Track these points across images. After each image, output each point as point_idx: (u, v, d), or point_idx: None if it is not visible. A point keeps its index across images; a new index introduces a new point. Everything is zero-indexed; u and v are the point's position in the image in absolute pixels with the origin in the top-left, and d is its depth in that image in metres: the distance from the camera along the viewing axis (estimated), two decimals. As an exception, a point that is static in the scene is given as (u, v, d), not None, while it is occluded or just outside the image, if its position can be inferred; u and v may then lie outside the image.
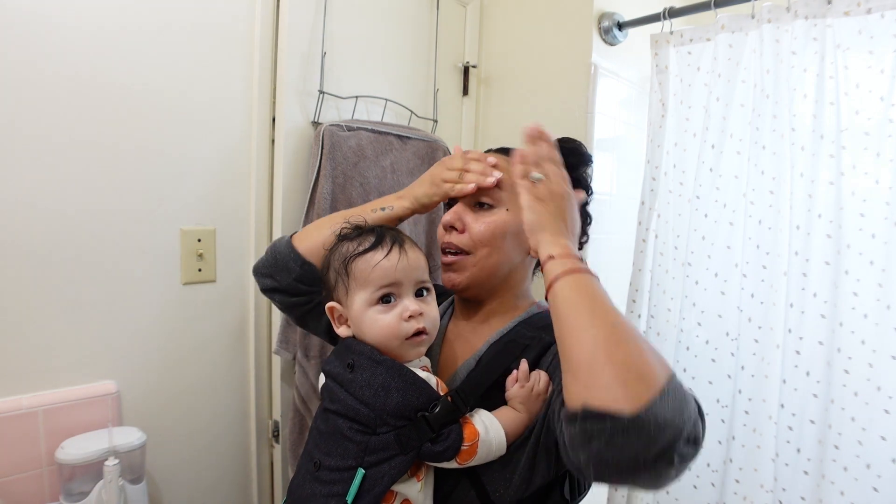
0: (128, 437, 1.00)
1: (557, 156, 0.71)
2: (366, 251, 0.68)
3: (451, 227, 0.77)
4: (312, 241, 0.81)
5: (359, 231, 0.72)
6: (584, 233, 0.88)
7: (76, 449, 0.96)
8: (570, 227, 0.68)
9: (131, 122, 1.06)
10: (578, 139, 0.89)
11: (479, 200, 0.77)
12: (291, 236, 0.83)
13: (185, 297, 1.17)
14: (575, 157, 0.86)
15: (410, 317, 0.66)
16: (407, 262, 0.68)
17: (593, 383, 0.52)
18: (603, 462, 0.50)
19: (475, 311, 0.81)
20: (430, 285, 0.71)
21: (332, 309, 0.71)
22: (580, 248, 0.89)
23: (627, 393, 0.50)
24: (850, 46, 1.08)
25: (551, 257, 0.63)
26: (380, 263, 0.67)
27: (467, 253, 0.76)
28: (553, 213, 0.67)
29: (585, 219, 0.87)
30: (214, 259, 1.20)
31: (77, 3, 0.98)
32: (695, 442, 0.52)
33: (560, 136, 0.88)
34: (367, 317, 0.67)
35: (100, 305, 1.05)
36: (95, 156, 1.02)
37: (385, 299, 0.67)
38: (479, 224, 0.75)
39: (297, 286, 0.81)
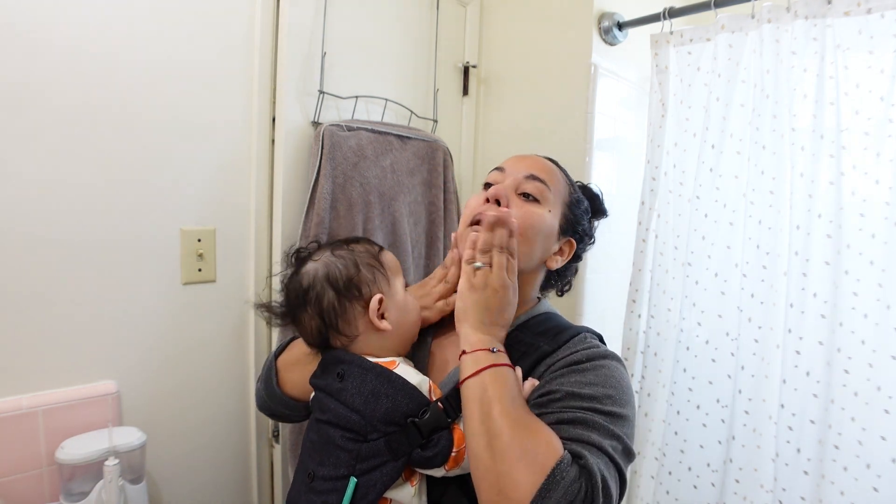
0: (128, 437, 1.00)
1: (513, 243, 0.71)
2: (381, 249, 0.76)
3: (495, 201, 0.75)
4: (302, 382, 0.77)
5: (315, 245, 0.76)
6: (572, 274, 0.89)
7: (76, 449, 0.96)
8: (497, 319, 0.69)
9: (131, 122, 1.06)
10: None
11: (525, 191, 0.76)
12: (278, 383, 0.81)
13: (185, 297, 1.17)
14: (596, 203, 0.88)
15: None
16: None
17: (480, 497, 0.59)
18: None
19: None
20: None
21: (381, 300, 0.71)
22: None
23: None
24: (850, 46, 1.08)
25: (464, 352, 0.66)
26: (393, 258, 0.76)
27: None
28: (481, 303, 0.69)
29: (576, 259, 0.87)
30: (214, 259, 1.20)
31: (76, 4, 0.98)
32: None
33: (586, 183, 0.90)
34: (409, 297, 0.76)
35: (100, 305, 1.05)
36: (95, 156, 1.02)
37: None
38: (522, 210, 0.75)
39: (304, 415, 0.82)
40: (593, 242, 0.88)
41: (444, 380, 0.76)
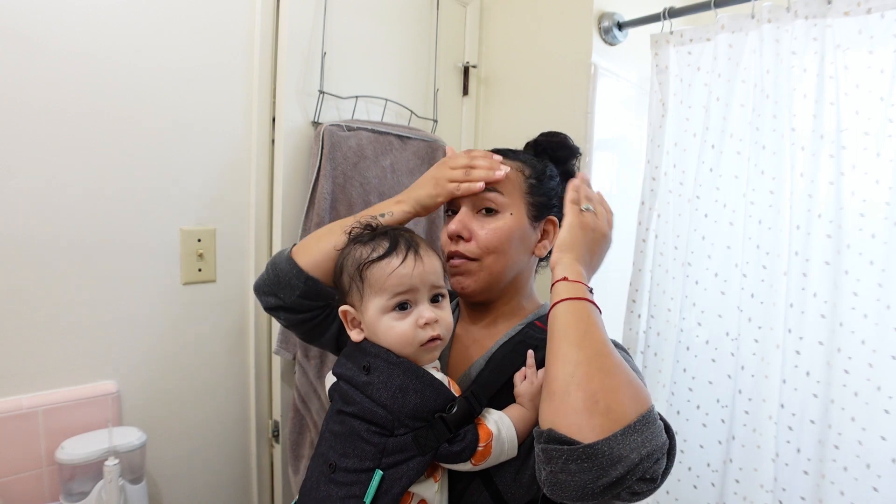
0: (128, 437, 1.00)
1: (608, 205, 0.78)
2: (381, 258, 0.66)
3: (457, 237, 0.76)
4: (314, 254, 0.77)
5: (371, 233, 0.70)
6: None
7: (76, 449, 0.96)
8: (594, 262, 0.73)
9: (131, 122, 1.06)
10: (569, 135, 0.89)
11: (484, 206, 0.76)
12: (291, 250, 0.80)
13: (185, 297, 1.17)
14: (564, 151, 0.87)
15: (426, 324, 0.65)
16: (423, 269, 0.66)
17: (563, 408, 0.56)
18: (557, 483, 0.55)
19: (483, 314, 0.82)
20: (444, 291, 0.70)
21: (345, 313, 0.70)
22: None
23: (590, 423, 0.54)
24: (850, 46, 1.08)
25: (565, 279, 0.66)
26: (396, 271, 0.65)
27: (475, 260, 0.76)
28: (586, 242, 0.71)
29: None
30: (214, 259, 1.20)
31: (77, 5, 0.98)
32: (651, 480, 0.55)
33: (546, 131, 0.89)
34: (382, 323, 0.66)
35: (100, 305, 1.05)
36: (95, 156, 1.02)
37: (401, 306, 0.66)
38: (484, 231, 0.75)
39: (302, 303, 0.78)
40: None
41: (462, 376, 0.77)
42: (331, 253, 0.75)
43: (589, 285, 0.68)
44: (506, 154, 0.82)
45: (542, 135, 0.89)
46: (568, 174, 0.86)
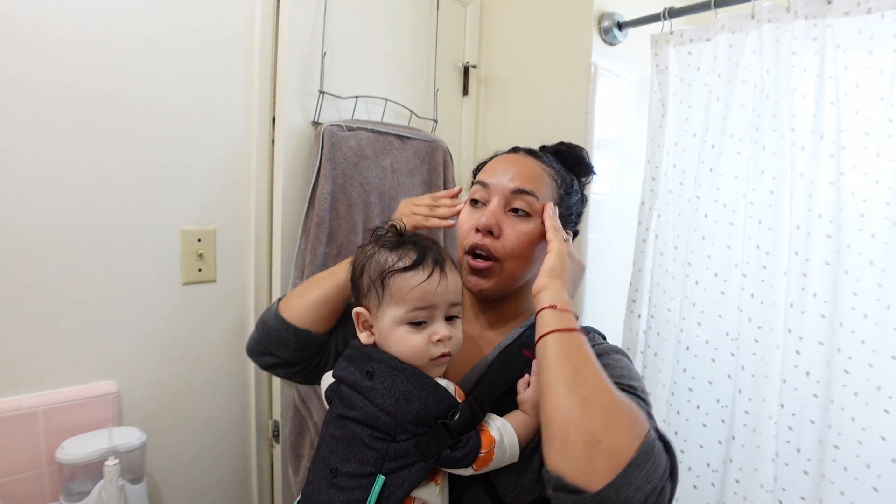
0: (128, 437, 1.00)
1: None
2: (406, 269, 0.66)
3: (488, 231, 0.75)
4: (300, 306, 0.79)
5: (399, 239, 0.70)
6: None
7: (76, 449, 0.96)
8: (572, 293, 0.73)
9: (131, 122, 1.06)
10: (578, 143, 0.89)
11: (516, 206, 0.76)
12: (277, 307, 0.81)
13: (185, 297, 1.17)
14: (582, 168, 0.87)
15: (439, 340, 0.66)
16: (446, 287, 0.66)
17: (565, 455, 0.56)
18: None
19: (486, 314, 0.82)
20: (460, 308, 0.70)
21: (358, 314, 0.70)
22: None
23: (593, 469, 0.54)
24: (850, 46, 1.08)
25: (553, 307, 0.66)
26: (420, 286, 0.65)
27: (497, 260, 0.75)
28: (570, 271, 0.72)
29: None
30: (214, 259, 1.20)
31: (77, 6, 0.98)
32: None
33: (565, 141, 0.89)
34: (396, 333, 0.66)
35: (100, 305, 1.05)
36: (95, 155, 1.02)
37: (417, 320, 0.66)
38: (515, 233, 0.75)
39: (297, 355, 0.80)
40: (585, 201, 0.88)
41: (463, 378, 0.76)
42: (316, 303, 0.79)
43: (577, 316, 0.68)
44: (541, 157, 0.82)
45: (563, 144, 0.88)
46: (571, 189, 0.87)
